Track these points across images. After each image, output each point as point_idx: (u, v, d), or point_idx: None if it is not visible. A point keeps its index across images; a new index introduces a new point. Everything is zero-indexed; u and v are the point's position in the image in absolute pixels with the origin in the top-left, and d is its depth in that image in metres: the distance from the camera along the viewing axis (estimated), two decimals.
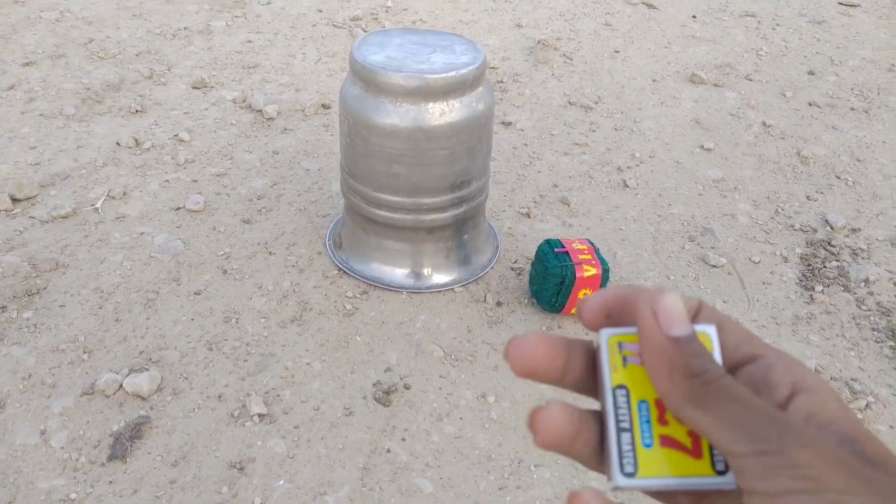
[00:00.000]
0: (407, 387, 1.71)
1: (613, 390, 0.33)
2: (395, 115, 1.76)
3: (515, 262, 2.12)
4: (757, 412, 0.28)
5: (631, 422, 0.33)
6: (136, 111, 2.70)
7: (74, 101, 2.74)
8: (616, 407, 0.33)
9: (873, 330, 1.98)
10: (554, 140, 2.77)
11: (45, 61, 3.00)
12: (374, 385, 1.71)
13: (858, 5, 4.48)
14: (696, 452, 0.32)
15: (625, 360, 0.34)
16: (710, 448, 0.32)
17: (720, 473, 0.31)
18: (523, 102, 3.02)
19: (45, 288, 1.90)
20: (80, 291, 1.91)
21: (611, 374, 0.34)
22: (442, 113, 1.76)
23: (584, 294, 1.86)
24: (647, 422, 0.32)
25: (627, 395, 0.33)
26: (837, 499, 0.26)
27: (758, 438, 0.28)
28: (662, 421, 0.32)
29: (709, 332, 0.33)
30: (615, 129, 2.87)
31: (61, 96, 2.76)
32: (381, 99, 1.76)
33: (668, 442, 0.32)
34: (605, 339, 0.34)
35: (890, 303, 2.08)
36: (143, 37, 3.28)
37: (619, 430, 0.33)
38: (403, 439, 1.59)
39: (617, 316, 0.34)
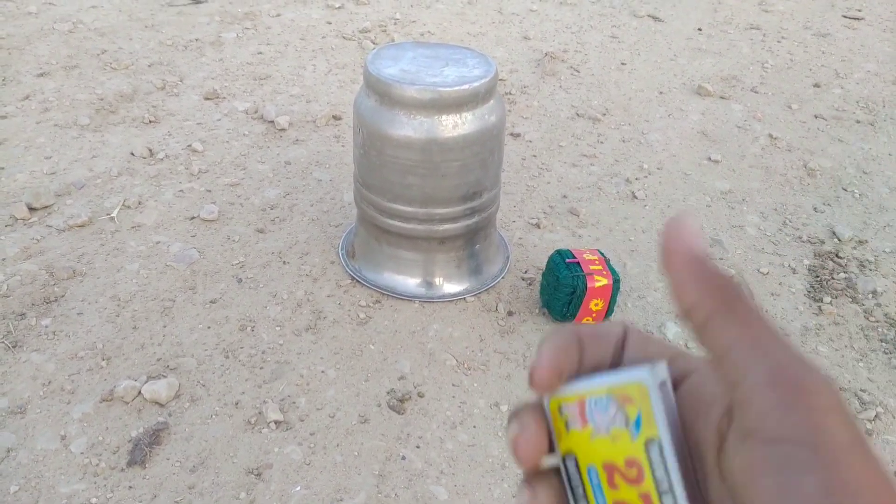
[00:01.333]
0: (421, 395, 1.73)
1: (563, 458, 0.33)
2: (408, 127, 1.78)
3: (526, 272, 2.14)
4: (784, 344, 0.27)
5: (584, 489, 0.33)
6: (150, 122, 2.74)
7: (88, 111, 2.78)
8: (568, 476, 0.33)
9: (881, 341, 2.00)
10: (562, 151, 2.80)
11: (58, 72, 3.04)
12: (388, 393, 1.73)
13: (863, 18, 4.52)
14: None
15: (567, 424, 0.33)
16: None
17: None
18: (531, 114, 3.05)
19: (63, 296, 1.93)
20: (98, 299, 1.93)
21: (557, 442, 0.33)
22: (455, 125, 1.79)
23: (596, 304, 1.89)
24: (599, 487, 0.32)
25: (576, 462, 0.33)
26: (839, 457, 0.25)
27: (780, 370, 0.26)
28: (612, 485, 0.32)
29: (658, 376, 0.31)
30: (623, 141, 2.90)
31: (75, 107, 2.80)
32: (396, 111, 1.79)
33: None
34: (546, 405, 0.33)
35: None
36: (155, 48, 3.31)
37: (576, 499, 0.33)
38: (418, 447, 1.61)
39: (570, 367, 0.33)
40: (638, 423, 0.31)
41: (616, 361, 0.34)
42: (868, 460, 0.25)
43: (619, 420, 0.32)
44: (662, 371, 0.31)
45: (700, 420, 0.31)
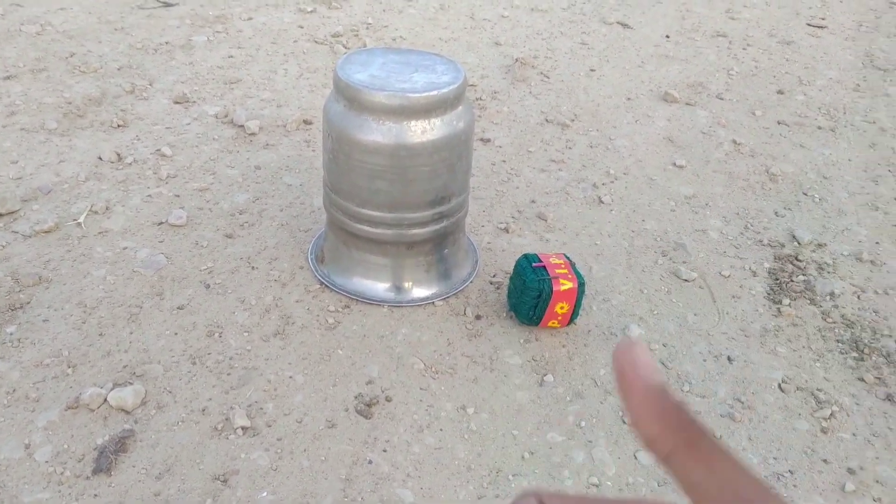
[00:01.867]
0: (388, 399, 1.75)
1: None
2: (377, 133, 1.80)
3: (494, 276, 2.16)
4: (748, 477, 0.28)
5: None
6: (118, 126, 2.73)
7: (56, 115, 2.76)
8: None
9: (838, 342, 2.05)
10: (531, 157, 2.83)
11: (26, 75, 3.02)
12: (355, 397, 1.74)
13: (826, 27, 4.61)
14: None
15: None
16: None
17: None
18: (501, 120, 3.08)
19: (29, 303, 1.92)
20: (64, 306, 1.92)
21: None
22: (423, 131, 1.81)
23: (561, 307, 1.91)
24: None
25: None
26: None
27: None
28: None
29: None
30: (591, 147, 2.94)
31: (43, 110, 2.78)
32: (364, 116, 1.80)
33: None
34: None
35: (854, 315, 2.15)
36: (124, 51, 3.30)
37: None
38: (385, 450, 1.63)
39: None
40: None
41: None
42: None
43: None
44: None
45: None
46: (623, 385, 0.30)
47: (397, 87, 1.78)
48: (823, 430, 1.78)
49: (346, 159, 1.87)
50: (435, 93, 1.77)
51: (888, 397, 1.89)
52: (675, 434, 0.29)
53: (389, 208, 1.91)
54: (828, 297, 2.22)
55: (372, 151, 1.82)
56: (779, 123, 3.29)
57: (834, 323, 2.12)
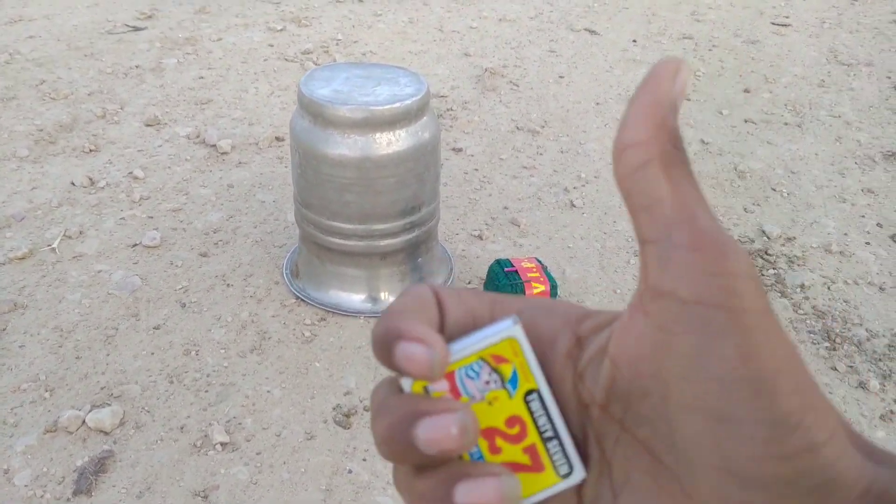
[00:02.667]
0: (366, 409, 1.76)
1: None
2: (343, 146, 1.82)
3: (469, 282, 2.19)
4: (709, 211, 0.27)
5: None
6: (90, 150, 2.73)
7: (27, 142, 2.76)
8: None
9: (809, 332, 2.09)
10: (503, 164, 2.86)
11: None
12: (334, 409, 1.76)
13: (790, 25, 4.68)
14: (537, 467, 0.32)
15: None
16: (550, 455, 0.32)
17: (566, 476, 0.32)
18: (472, 129, 3.11)
19: (4, 329, 1.92)
20: (40, 331, 1.93)
21: None
22: (389, 142, 1.83)
23: None
24: (480, 457, 0.32)
25: None
26: (754, 323, 0.25)
27: (703, 233, 0.26)
28: (494, 450, 0.32)
29: (516, 336, 0.31)
30: (561, 152, 2.97)
31: (14, 138, 2.78)
32: (330, 131, 1.83)
33: (508, 468, 0.31)
34: (408, 388, 0.31)
35: (824, 306, 2.19)
36: (94, 76, 3.31)
37: None
38: (364, 459, 1.64)
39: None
40: (514, 380, 0.31)
41: (441, 321, 0.32)
42: (778, 328, 0.25)
43: (495, 382, 0.31)
44: (519, 322, 0.31)
45: (547, 356, 0.32)
46: (646, 83, 0.28)
47: (361, 101, 1.80)
48: None
49: (314, 174, 1.89)
50: (398, 105, 1.80)
51: (861, 385, 1.92)
52: (659, 146, 0.27)
53: (360, 220, 1.93)
54: (798, 290, 2.26)
55: (339, 165, 1.84)
56: (746, 121, 3.34)
57: (805, 314, 2.16)
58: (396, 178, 1.88)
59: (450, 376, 0.31)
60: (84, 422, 1.67)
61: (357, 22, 4.24)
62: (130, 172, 2.61)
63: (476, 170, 2.81)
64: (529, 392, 0.31)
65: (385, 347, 0.29)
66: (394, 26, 4.23)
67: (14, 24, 3.74)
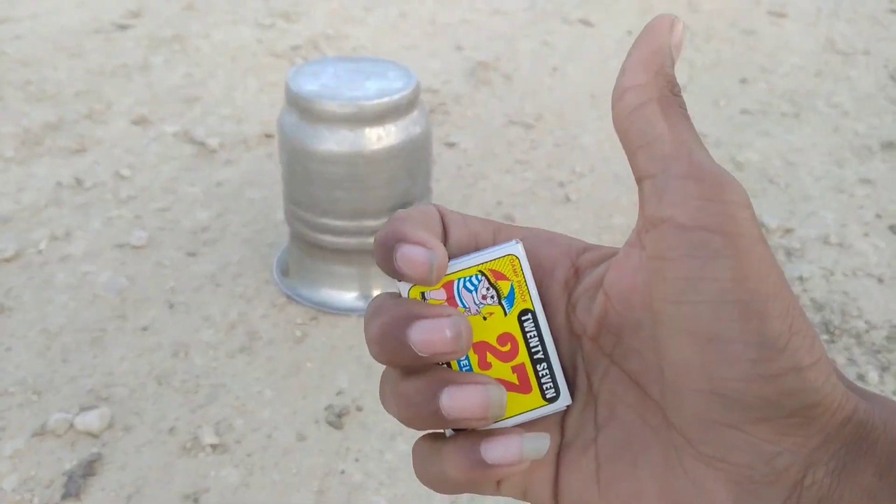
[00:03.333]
0: (359, 408, 1.73)
1: None
2: (332, 142, 1.79)
3: None
4: (704, 149, 0.28)
5: None
6: (77, 151, 2.70)
7: (13, 143, 2.73)
8: None
9: None
10: (497, 159, 2.82)
11: None
12: (325, 409, 1.72)
13: (787, 14, 4.65)
14: (524, 387, 0.32)
15: None
16: (538, 377, 0.32)
17: (551, 400, 0.32)
18: (466, 123, 3.08)
19: None
20: (27, 334, 1.90)
21: None
22: (379, 137, 1.80)
23: None
24: (469, 369, 0.32)
25: None
26: (749, 248, 0.26)
27: (701, 165, 0.27)
28: (484, 365, 0.32)
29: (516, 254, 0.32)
30: (556, 146, 2.94)
31: (0, 139, 2.74)
32: (318, 126, 1.79)
33: None
34: (406, 293, 0.31)
35: (823, 298, 2.16)
36: (81, 76, 3.27)
37: None
38: (357, 460, 1.61)
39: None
40: (511, 298, 0.32)
41: (444, 240, 0.33)
42: (771, 256, 0.26)
43: (492, 298, 0.32)
44: (522, 246, 0.32)
45: (544, 282, 0.33)
46: (644, 34, 0.29)
47: (349, 96, 1.77)
48: None
49: (303, 170, 1.86)
50: (387, 99, 1.77)
51: (860, 377, 1.89)
52: (657, 90, 0.28)
53: (350, 217, 1.90)
54: (797, 281, 2.23)
55: (328, 161, 1.81)
56: (743, 112, 3.31)
57: (804, 306, 2.13)
58: (387, 173, 1.85)
59: (448, 286, 0.31)
60: (72, 425, 1.65)
61: (347, 16, 4.20)
62: (117, 172, 2.58)
63: (469, 165, 2.78)
64: (525, 312, 0.32)
65: (386, 250, 0.29)
66: (385, 20, 4.20)
67: (0, 25, 3.70)
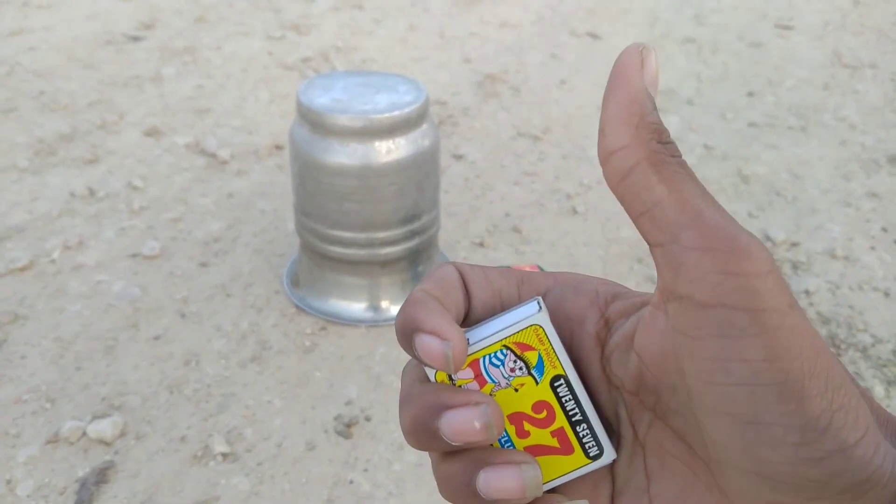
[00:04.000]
0: (367, 419, 1.75)
1: None
2: (342, 155, 1.81)
3: None
4: (713, 203, 0.26)
5: None
6: (90, 161, 2.73)
7: (27, 153, 2.76)
8: None
9: None
10: (505, 171, 2.85)
11: None
12: (335, 419, 1.74)
13: (794, 27, 4.67)
14: (565, 449, 0.32)
15: None
16: (579, 438, 0.31)
17: (596, 458, 0.32)
18: (474, 135, 3.10)
19: (6, 340, 1.91)
20: (41, 342, 1.92)
21: None
22: (388, 150, 1.82)
23: None
24: (509, 442, 0.32)
25: None
26: (778, 322, 0.24)
27: (713, 231, 0.25)
28: (522, 435, 0.32)
29: (545, 310, 0.31)
30: (563, 158, 2.96)
31: (14, 149, 2.78)
32: (329, 139, 1.82)
33: (536, 451, 0.32)
34: (433, 377, 0.31)
35: (829, 312, 2.17)
36: (94, 87, 3.31)
37: None
38: (366, 470, 1.63)
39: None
40: (540, 367, 0.31)
41: (467, 305, 0.32)
42: (804, 324, 0.25)
43: (520, 370, 0.31)
44: (544, 305, 0.31)
45: (574, 335, 0.32)
46: (614, 80, 0.27)
47: (360, 109, 1.79)
48: None
49: (314, 182, 1.88)
50: (397, 113, 1.79)
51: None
52: (644, 147, 0.26)
53: (360, 228, 1.92)
54: (803, 295, 2.24)
55: (339, 173, 1.83)
56: (750, 125, 3.32)
57: (810, 320, 2.14)
58: (396, 185, 1.87)
59: (475, 364, 0.31)
60: (85, 433, 1.67)
61: (357, 29, 4.24)
62: (130, 182, 2.61)
63: (477, 176, 2.80)
64: (556, 378, 0.31)
65: (405, 338, 0.29)
66: (394, 33, 4.23)
67: (14, 36, 3.75)
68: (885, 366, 1.98)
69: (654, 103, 0.27)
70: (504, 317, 0.31)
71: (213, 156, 2.80)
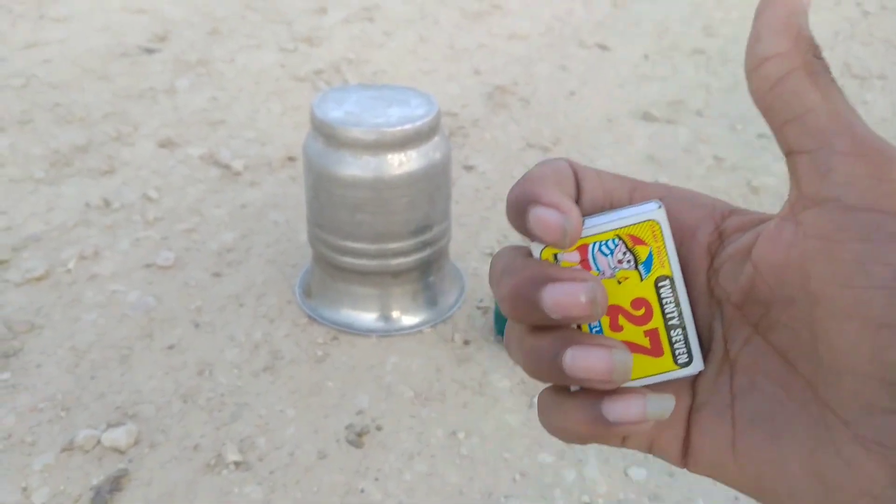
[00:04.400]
0: (379, 428, 1.77)
1: None
2: (355, 167, 1.84)
3: (481, 301, 2.19)
4: (862, 119, 0.26)
5: None
6: (105, 172, 2.77)
7: (43, 164, 2.80)
8: None
9: None
10: (515, 181, 2.86)
11: (12, 127, 3.06)
12: (346, 428, 1.76)
13: None
14: (655, 351, 0.31)
15: None
16: (671, 343, 0.31)
17: (684, 365, 0.31)
18: (484, 147, 3.13)
19: (22, 349, 1.94)
20: (56, 351, 1.95)
21: None
22: (400, 163, 1.85)
23: None
24: (599, 331, 0.31)
25: None
26: None
27: (865, 140, 0.25)
28: (615, 328, 0.31)
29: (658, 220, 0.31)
30: None
31: (30, 161, 2.82)
32: (342, 152, 1.84)
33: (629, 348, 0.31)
34: (538, 254, 0.31)
35: None
36: (108, 99, 3.35)
37: None
38: (377, 479, 1.64)
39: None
40: (649, 264, 0.31)
41: (577, 200, 0.32)
42: None
43: (628, 262, 0.31)
44: (663, 207, 0.31)
45: (685, 245, 0.31)
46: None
47: (373, 122, 1.82)
48: None
49: (327, 194, 1.91)
50: (409, 126, 1.82)
51: None
52: (802, 56, 0.26)
53: (372, 240, 1.95)
54: None
55: (351, 186, 1.86)
56: (759, 136, 3.34)
57: None
58: (408, 197, 1.89)
59: (582, 249, 0.31)
60: (99, 441, 1.69)
61: (368, 41, 4.27)
62: (144, 193, 2.64)
63: (488, 187, 2.82)
64: (662, 278, 0.31)
65: (519, 211, 0.29)
66: (404, 45, 4.27)
67: (30, 49, 3.80)
68: None
69: (808, 18, 0.27)
70: (621, 210, 0.31)
71: (227, 167, 2.83)
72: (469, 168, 2.95)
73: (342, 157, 1.85)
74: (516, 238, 2.45)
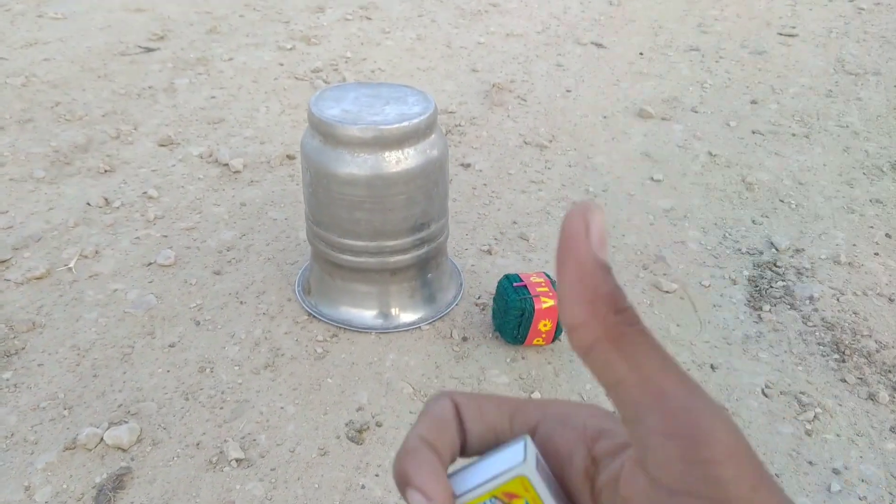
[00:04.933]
0: (378, 424, 1.78)
1: None
2: (353, 165, 1.86)
3: (479, 297, 2.21)
4: (676, 377, 0.26)
5: None
6: (105, 171, 2.78)
7: (44, 163, 2.81)
8: None
9: (819, 345, 2.10)
10: (511, 179, 2.88)
11: (12, 126, 3.08)
12: (346, 424, 1.78)
13: (797, 35, 4.70)
14: None
15: None
16: None
17: None
18: (481, 144, 3.14)
19: (24, 348, 1.96)
20: (58, 350, 1.96)
21: None
22: (398, 161, 1.86)
23: (544, 325, 1.96)
24: None
25: None
26: None
27: (676, 417, 0.25)
28: None
29: (531, 454, 0.32)
30: (569, 166, 3.00)
31: (31, 160, 2.83)
32: (340, 150, 1.86)
33: None
34: None
35: (834, 318, 2.19)
36: (108, 97, 3.36)
37: None
38: (377, 475, 1.66)
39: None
40: None
41: (462, 438, 0.34)
42: (770, 501, 0.25)
43: None
44: (531, 447, 0.32)
45: (565, 470, 0.32)
46: (563, 254, 0.27)
47: (370, 120, 1.83)
48: (808, 433, 1.81)
49: (325, 192, 1.92)
50: (406, 123, 1.83)
51: (870, 396, 1.93)
52: (601, 323, 0.26)
53: (371, 237, 1.96)
54: (807, 301, 2.27)
55: (349, 183, 1.87)
56: (753, 133, 3.36)
57: (814, 326, 2.17)
58: (406, 195, 1.91)
59: None
60: (102, 439, 1.70)
61: (366, 39, 4.29)
62: (145, 192, 2.66)
63: (485, 185, 2.84)
64: None
65: (399, 487, 0.31)
66: (402, 43, 4.28)
67: (29, 48, 3.81)
68: (889, 371, 2.00)
69: (606, 266, 0.27)
70: (492, 460, 0.33)
71: (226, 166, 2.84)
72: (466, 165, 2.96)
73: (340, 155, 1.86)
74: (513, 236, 2.47)
